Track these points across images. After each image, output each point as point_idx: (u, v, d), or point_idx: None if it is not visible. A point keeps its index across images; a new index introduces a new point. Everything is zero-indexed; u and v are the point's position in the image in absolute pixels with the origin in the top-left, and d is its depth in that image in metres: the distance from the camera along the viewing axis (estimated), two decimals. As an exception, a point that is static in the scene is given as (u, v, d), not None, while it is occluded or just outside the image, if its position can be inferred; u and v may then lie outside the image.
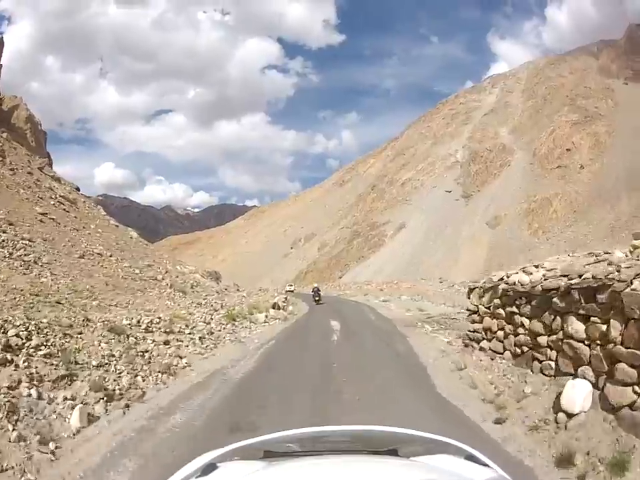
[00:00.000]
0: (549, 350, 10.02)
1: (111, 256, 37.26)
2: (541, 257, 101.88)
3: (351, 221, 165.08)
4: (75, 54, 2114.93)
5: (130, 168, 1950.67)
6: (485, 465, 2.34)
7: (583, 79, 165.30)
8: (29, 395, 8.54)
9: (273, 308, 31.34)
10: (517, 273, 12.16)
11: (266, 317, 27.97)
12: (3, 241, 26.58)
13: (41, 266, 26.14)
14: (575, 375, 8.73)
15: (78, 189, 63.69)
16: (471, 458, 2.39)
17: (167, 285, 36.70)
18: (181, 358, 14.38)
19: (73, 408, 8.80)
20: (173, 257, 52.62)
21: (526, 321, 11.12)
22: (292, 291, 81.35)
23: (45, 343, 10.80)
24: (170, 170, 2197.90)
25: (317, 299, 45.43)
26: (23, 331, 10.78)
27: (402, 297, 49.61)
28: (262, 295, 49.65)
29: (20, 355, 9.75)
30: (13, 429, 7.50)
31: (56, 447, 7.62)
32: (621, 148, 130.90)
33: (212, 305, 29.21)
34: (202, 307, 28.02)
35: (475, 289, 14.61)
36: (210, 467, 2.22)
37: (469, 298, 14.98)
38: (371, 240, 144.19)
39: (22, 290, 19.07)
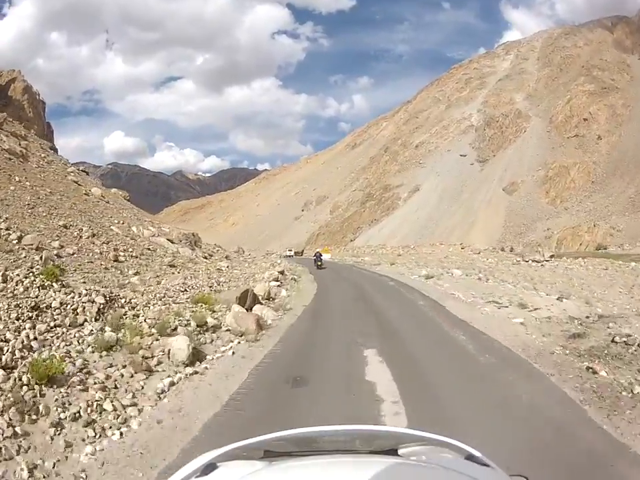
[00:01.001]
0: None
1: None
2: (559, 226, 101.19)
3: (363, 183, 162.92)
4: (80, 28, 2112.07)
5: (140, 136, 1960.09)
6: (485, 464, 2.32)
7: (598, 51, 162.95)
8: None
9: (245, 304, 16.02)
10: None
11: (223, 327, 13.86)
12: None
13: None
14: None
15: (54, 150, 61.45)
16: (471, 458, 2.37)
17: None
18: None
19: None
20: (139, 218, 46.88)
21: None
22: (291, 256, 78.61)
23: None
24: (180, 136, 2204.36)
25: (319, 263, 46.83)
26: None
27: (453, 272, 32.09)
28: (251, 266, 40.60)
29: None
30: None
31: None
32: (638, 122, 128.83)
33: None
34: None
35: None
36: (210, 467, 2.22)
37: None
38: (384, 203, 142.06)
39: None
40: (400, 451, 2.40)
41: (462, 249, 70.89)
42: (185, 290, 20.00)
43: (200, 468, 2.26)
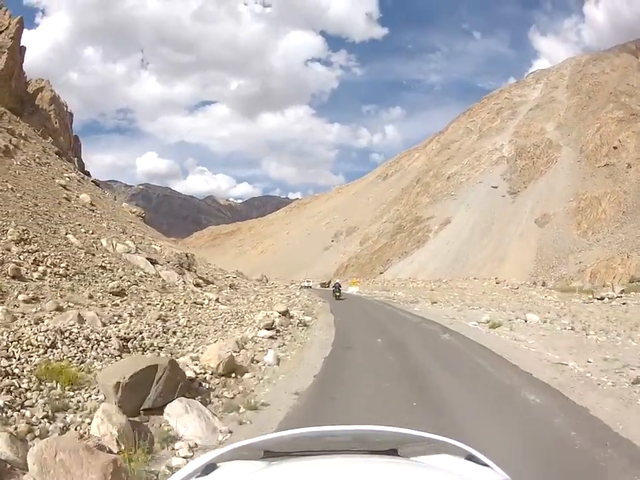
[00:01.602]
0: None
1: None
2: (591, 258, 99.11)
3: (394, 215, 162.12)
4: (115, 45, 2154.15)
5: (173, 158, 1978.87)
6: (485, 465, 2.33)
7: (625, 76, 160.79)
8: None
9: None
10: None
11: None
12: None
13: None
14: None
15: (71, 161, 62.79)
16: (471, 458, 2.38)
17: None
18: None
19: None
20: (129, 232, 41.86)
21: None
22: (309, 287, 74.40)
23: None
24: (213, 161, 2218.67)
25: (337, 294, 46.66)
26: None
27: (527, 317, 24.62)
28: (258, 299, 35.04)
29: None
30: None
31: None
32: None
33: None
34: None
35: None
36: (210, 467, 2.25)
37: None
38: (415, 235, 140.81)
39: None
40: (400, 451, 2.41)
41: (497, 283, 69.12)
42: (53, 345, 11.12)
43: (200, 468, 2.26)
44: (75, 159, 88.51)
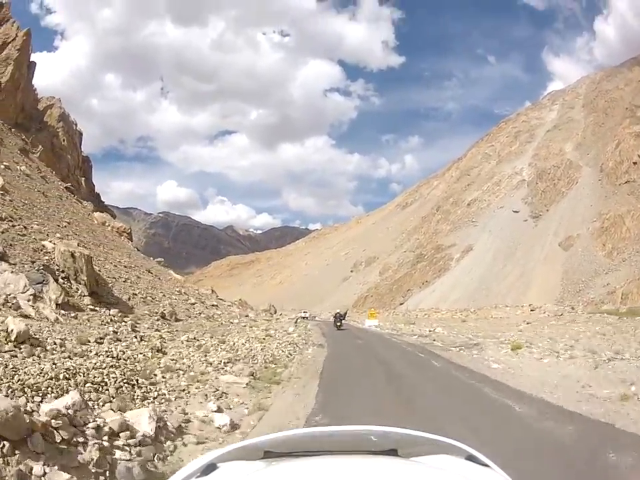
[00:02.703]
0: None
1: None
2: (619, 279, 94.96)
3: (414, 244, 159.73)
4: (135, 72, 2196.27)
5: (193, 187, 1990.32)
6: (485, 465, 2.34)
7: (639, 90, 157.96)
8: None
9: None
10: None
11: None
12: None
13: None
14: None
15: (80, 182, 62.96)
16: (471, 458, 2.40)
17: None
18: None
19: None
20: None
21: None
22: (305, 318, 66.69)
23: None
24: (233, 191, 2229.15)
25: (338, 324, 45.52)
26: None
27: None
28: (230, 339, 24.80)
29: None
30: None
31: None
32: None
33: None
34: None
35: None
36: (210, 467, 2.25)
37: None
38: (436, 264, 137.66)
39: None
40: (400, 451, 2.39)
41: (532, 310, 65.69)
42: None
43: (200, 468, 2.25)
44: (83, 179, 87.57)
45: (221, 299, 64.41)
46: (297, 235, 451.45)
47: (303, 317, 66.21)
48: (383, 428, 2.75)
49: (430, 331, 40.21)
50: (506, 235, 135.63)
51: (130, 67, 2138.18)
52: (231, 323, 42.15)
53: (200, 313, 44.29)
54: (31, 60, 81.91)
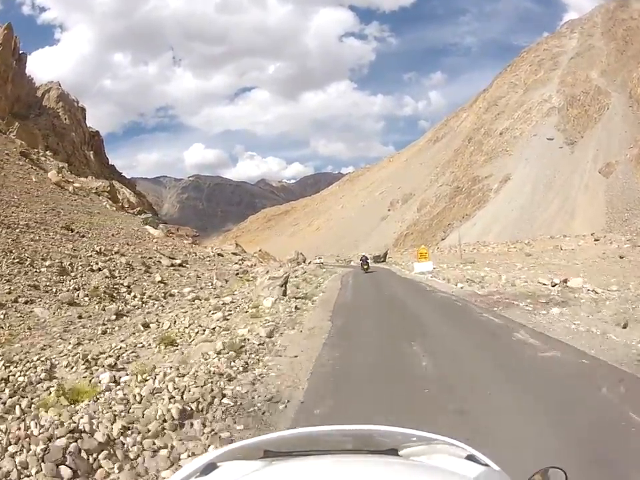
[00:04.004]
0: None
1: None
2: None
3: (449, 177, 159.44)
4: (143, 47, 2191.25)
5: (220, 147, 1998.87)
6: (485, 464, 2.34)
7: None
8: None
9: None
10: None
11: None
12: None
13: None
14: None
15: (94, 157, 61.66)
16: (471, 458, 2.38)
17: None
18: None
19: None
20: None
21: None
22: (321, 263, 56.27)
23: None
24: (261, 145, 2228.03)
25: (365, 267, 45.07)
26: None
27: None
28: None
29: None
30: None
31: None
32: None
33: None
34: None
35: None
36: (210, 467, 2.26)
37: None
38: (474, 196, 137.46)
39: None
40: (400, 451, 2.41)
41: (595, 241, 62.77)
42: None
43: (200, 468, 2.26)
44: (91, 152, 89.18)
45: (244, 252, 62.68)
46: (330, 180, 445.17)
47: (318, 262, 56.87)
48: (383, 428, 2.86)
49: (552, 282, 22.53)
50: (543, 163, 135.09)
51: (137, 43, 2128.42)
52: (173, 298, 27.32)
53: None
54: (20, 53, 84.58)
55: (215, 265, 43.96)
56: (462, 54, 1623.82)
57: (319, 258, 67.00)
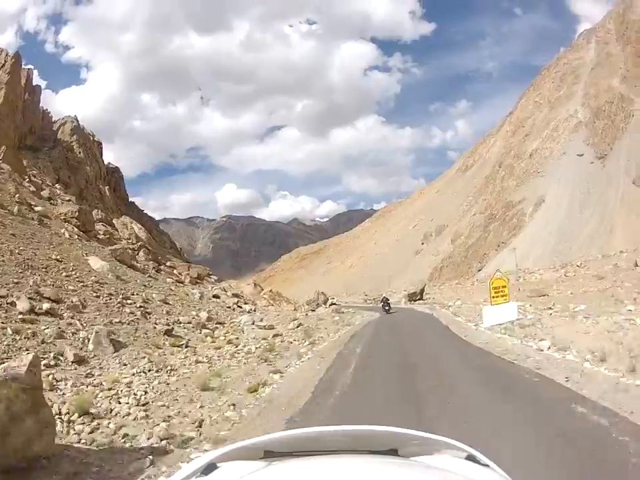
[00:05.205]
0: None
1: None
2: None
3: (482, 205, 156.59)
4: (171, 87, 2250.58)
5: (252, 187, 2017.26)
6: (485, 465, 2.34)
7: None
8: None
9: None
10: None
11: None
12: None
13: None
14: None
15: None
16: (471, 458, 2.39)
17: None
18: None
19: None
20: None
21: None
22: (334, 304, 50.67)
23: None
24: (293, 184, 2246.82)
25: (387, 308, 42.88)
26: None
27: None
28: None
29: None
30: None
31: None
32: None
33: None
34: None
35: None
36: (210, 467, 2.26)
37: None
38: (509, 222, 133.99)
39: None
40: (400, 451, 2.42)
41: None
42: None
43: (200, 468, 2.25)
44: (106, 187, 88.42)
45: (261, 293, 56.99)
46: (363, 217, 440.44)
47: (333, 303, 50.70)
48: (383, 428, 2.71)
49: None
50: (576, 181, 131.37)
51: (164, 83, 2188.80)
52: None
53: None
54: (34, 84, 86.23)
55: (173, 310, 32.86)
56: (484, 80, 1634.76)
57: (333, 299, 58.55)
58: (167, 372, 17.48)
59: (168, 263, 58.64)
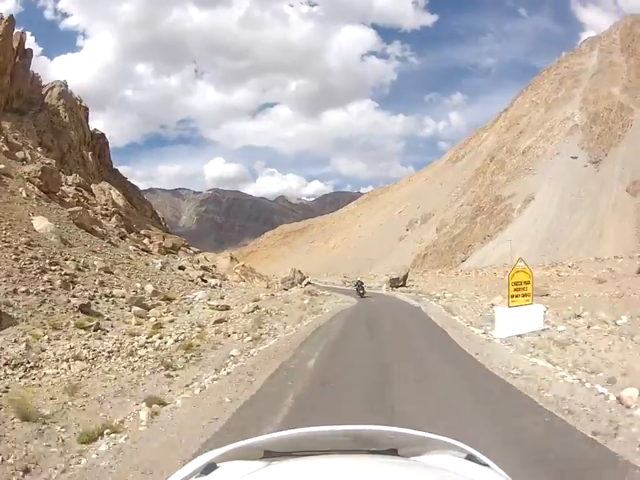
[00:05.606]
0: None
1: None
2: None
3: (470, 197, 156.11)
4: (166, 59, 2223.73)
5: (240, 162, 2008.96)
6: (485, 465, 2.34)
7: None
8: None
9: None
10: None
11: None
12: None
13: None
14: None
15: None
16: (471, 458, 2.38)
17: None
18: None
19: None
20: None
21: None
22: (311, 283, 47.94)
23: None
24: (282, 162, 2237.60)
25: (361, 292, 42.24)
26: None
27: None
28: None
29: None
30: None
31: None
32: None
33: None
34: None
35: None
36: (210, 467, 2.27)
37: None
38: (497, 216, 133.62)
39: None
40: (400, 451, 2.42)
41: None
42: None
43: (200, 468, 2.27)
44: (90, 152, 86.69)
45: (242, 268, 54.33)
46: (349, 199, 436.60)
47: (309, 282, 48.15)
48: (383, 428, 2.73)
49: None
50: (567, 182, 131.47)
51: (160, 55, 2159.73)
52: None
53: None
54: (26, 48, 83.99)
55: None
56: (482, 75, 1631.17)
57: (308, 278, 51.64)
58: (24, 370, 12.69)
59: (142, 231, 57.35)
